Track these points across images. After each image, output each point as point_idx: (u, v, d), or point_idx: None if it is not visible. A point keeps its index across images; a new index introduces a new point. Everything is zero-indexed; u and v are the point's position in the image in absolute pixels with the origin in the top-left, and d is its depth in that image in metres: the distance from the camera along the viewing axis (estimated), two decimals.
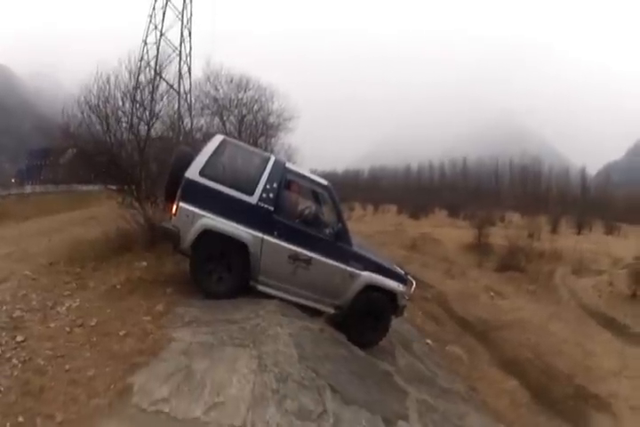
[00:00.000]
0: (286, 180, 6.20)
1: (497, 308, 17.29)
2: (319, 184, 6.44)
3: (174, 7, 31.27)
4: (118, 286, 5.98)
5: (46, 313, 5.12)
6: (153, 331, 4.60)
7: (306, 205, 6.31)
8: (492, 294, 19.09)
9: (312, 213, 6.18)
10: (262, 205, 5.76)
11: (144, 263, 6.98)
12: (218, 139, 6.14)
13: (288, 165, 6.43)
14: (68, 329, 4.69)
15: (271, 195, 5.83)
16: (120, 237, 8.07)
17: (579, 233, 39.30)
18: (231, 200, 5.66)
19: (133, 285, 6.02)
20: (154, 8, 30.93)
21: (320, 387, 4.02)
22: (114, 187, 8.64)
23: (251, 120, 20.94)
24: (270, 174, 5.94)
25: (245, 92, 21.35)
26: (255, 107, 21.40)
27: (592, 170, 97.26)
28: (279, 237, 5.79)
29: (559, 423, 10.47)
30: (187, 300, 5.61)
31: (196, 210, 5.53)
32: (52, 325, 4.80)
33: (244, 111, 21.08)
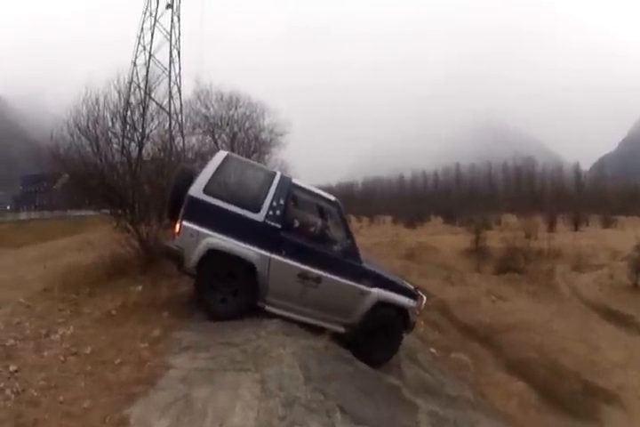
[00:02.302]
0: (293, 196, 6.13)
1: (499, 311, 17.22)
2: (327, 200, 6.32)
3: (162, 28, 31.30)
4: (113, 312, 5.88)
5: (40, 342, 5.01)
6: (149, 358, 4.48)
7: (314, 222, 6.23)
8: (492, 297, 19.04)
9: (320, 230, 6.09)
10: (269, 222, 5.61)
11: (139, 287, 6.87)
12: (221, 155, 5.99)
13: (294, 180, 6.26)
14: (62, 358, 4.58)
15: (278, 212, 5.68)
16: (115, 262, 7.98)
17: (576, 229, 39.56)
18: (237, 218, 5.51)
19: (129, 310, 5.91)
20: (142, 29, 30.93)
21: (329, 409, 3.85)
22: (107, 211, 8.53)
23: (243, 137, 20.90)
24: (277, 191, 5.78)
25: (236, 109, 21.35)
26: (247, 124, 21.41)
27: (586, 165, 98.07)
28: (287, 255, 5.64)
29: (570, 421, 10.42)
30: (184, 324, 5.49)
31: (201, 229, 5.37)
32: (46, 353, 4.69)
33: (236, 128, 21.06)
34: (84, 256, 9.01)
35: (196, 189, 5.46)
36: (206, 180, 5.54)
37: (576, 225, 41.25)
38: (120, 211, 8.23)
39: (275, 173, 6.15)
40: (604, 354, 13.21)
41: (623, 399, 11.07)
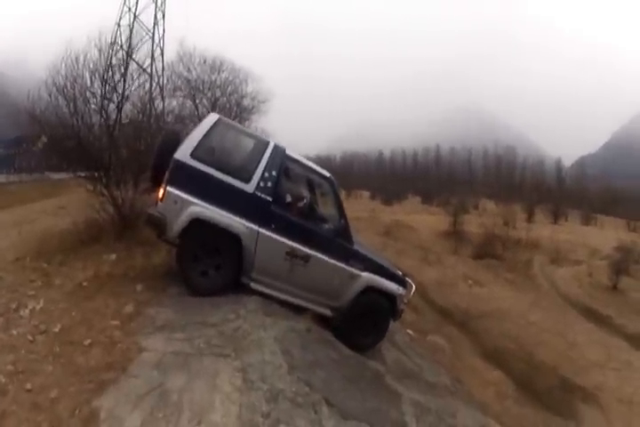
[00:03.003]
0: (286, 168, 5.66)
1: (476, 296, 17.42)
2: (321, 175, 5.91)
3: None
4: (85, 284, 5.41)
5: (9, 317, 4.59)
6: (121, 339, 4.07)
7: (306, 198, 5.78)
8: (470, 282, 19.31)
9: (312, 207, 5.73)
10: (259, 194, 5.18)
11: (113, 256, 6.40)
12: (212, 118, 5.48)
13: (288, 151, 5.73)
14: (30, 338, 4.17)
15: (269, 184, 5.26)
16: (89, 228, 7.46)
17: (555, 222, 39.94)
18: (225, 187, 5.06)
19: (101, 281, 5.45)
20: None
21: (315, 402, 3.53)
22: (82, 174, 7.99)
23: (224, 103, 20.37)
24: (269, 161, 5.35)
25: (219, 73, 20.84)
26: (229, 89, 20.91)
27: (567, 162, 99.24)
28: (276, 230, 5.23)
29: (546, 415, 10.60)
30: (158, 299, 5.07)
31: (186, 196, 4.91)
32: (15, 332, 4.28)
33: (218, 93, 20.58)
34: (59, 221, 8.51)
35: (183, 153, 4.98)
36: (194, 143, 5.06)
37: (555, 218, 41.65)
38: (95, 174, 7.70)
39: (268, 142, 5.65)
40: (582, 352, 13.46)
41: (601, 400, 11.25)
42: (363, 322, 5.93)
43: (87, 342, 4.06)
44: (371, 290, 5.85)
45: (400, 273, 6.43)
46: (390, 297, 6.07)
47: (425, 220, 31.88)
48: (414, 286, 6.61)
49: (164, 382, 3.36)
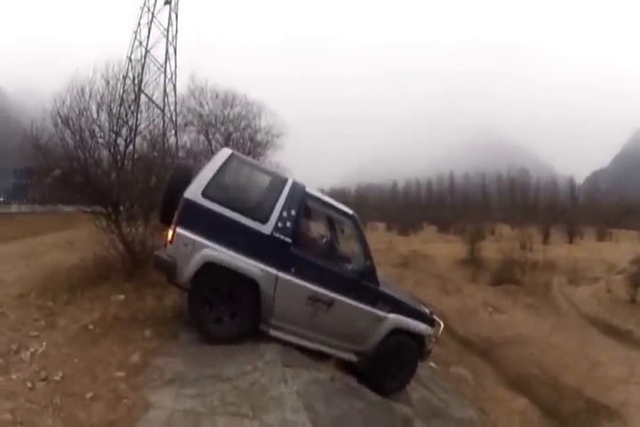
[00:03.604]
0: (305, 206, 5.38)
1: (496, 324, 17.12)
2: (343, 212, 5.64)
3: (160, 24, 30.73)
4: (90, 327, 5.19)
5: (9, 359, 4.39)
6: (126, 393, 3.80)
7: (328, 238, 5.60)
8: (490, 309, 18.97)
9: (335, 247, 5.51)
10: (278, 235, 4.87)
11: (121, 297, 6.20)
12: (225, 153, 5.23)
13: (308, 189, 5.45)
14: (30, 385, 3.94)
15: (288, 224, 4.95)
16: (97, 265, 7.31)
17: (571, 242, 39.46)
18: (240, 228, 4.74)
19: (108, 324, 5.23)
20: (139, 24, 30.33)
21: None
22: (88, 209, 7.83)
23: (238, 137, 20.28)
24: (288, 199, 5.06)
25: (232, 108, 20.82)
26: (242, 123, 20.82)
27: (580, 179, 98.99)
28: (297, 274, 4.90)
29: None
30: (168, 347, 4.78)
31: (197, 238, 4.60)
32: (14, 376, 4.07)
33: (231, 128, 20.49)
34: (68, 256, 8.43)
35: (194, 192, 4.70)
36: (206, 181, 4.78)
37: (570, 237, 41.09)
38: (104, 210, 7.55)
39: (286, 179, 5.36)
40: (605, 370, 13.19)
41: (625, 416, 10.90)
42: (390, 365, 5.61)
43: (89, 394, 3.82)
44: (398, 332, 5.54)
45: (428, 311, 6.12)
46: (418, 337, 5.77)
47: (442, 248, 31.51)
48: (442, 324, 6.31)
49: None
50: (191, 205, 4.65)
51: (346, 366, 5.29)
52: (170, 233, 4.68)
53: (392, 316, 5.46)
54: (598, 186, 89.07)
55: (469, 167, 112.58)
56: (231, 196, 4.95)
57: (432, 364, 10.56)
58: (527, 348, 14.55)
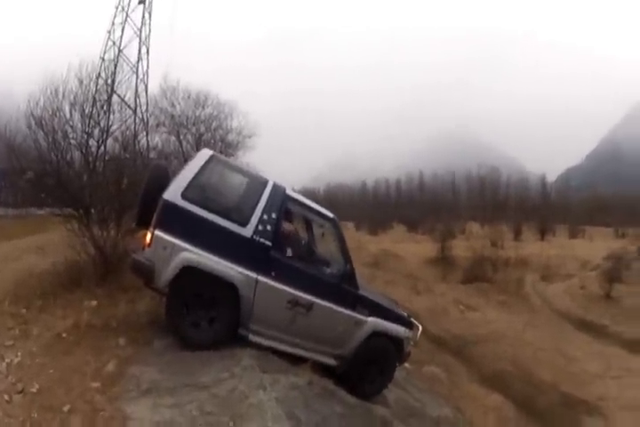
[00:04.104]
0: (286, 209, 5.32)
1: (469, 322, 17.28)
2: (324, 216, 5.60)
3: (134, 23, 30.22)
4: (64, 335, 5.04)
5: None
6: (103, 405, 3.69)
7: (308, 241, 5.57)
8: (461, 307, 19.20)
9: (315, 251, 5.48)
10: (258, 238, 4.78)
11: (94, 302, 6.04)
12: (205, 154, 5.09)
13: (289, 191, 5.39)
14: (7, 398, 3.84)
15: (269, 227, 4.86)
16: (69, 270, 7.09)
17: (542, 239, 40.15)
18: (219, 231, 4.63)
19: (81, 332, 5.09)
20: (113, 23, 29.78)
21: None
22: (59, 212, 7.66)
23: (209, 138, 20.03)
24: (268, 202, 4.97)
25: (203, 108, 20.59)
26: (214, 124, 20.63)
27: (552, 177, 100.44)
28: (277, 278, 4.83)
29: None
30: (143, 355, 4.67)
31: (176, 241, 4.47)
32: None
33: (202, 129, 20.28)
34: (40, 260, 8.16)
35: (173, 193, 4.57)
36: (185, 182, 4.66)
37: (542, 234, 41.87)
38: (75, 213, 7.39)
39: (267, 181, 5.25)
40: (581, 365, 13.55)
41: (604, 410, 11.22)
42: (368, 368, 5.62)
43: (66, 407, 3.71)
44: (377, 335, 5.54)
45: (406, 314, 6.14)
46: (397, 341, 5.78)
47: (411, 248, 31.80)
48: (420, 327, 6.34)
49: None
50: (170, 206, 4.53)
51: (322, 369, 5.25)
52: (148, 236, 4.56)
53: (371, 319, 5.45)
54: (570, 183, 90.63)
55: (439, 167, 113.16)
56: (211, 198, 4.87)
57: (406, 364, 10.65)
58: (501, 345, 14.71)
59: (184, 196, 4.58)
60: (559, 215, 51.49)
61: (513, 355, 13.91)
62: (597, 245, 31.81)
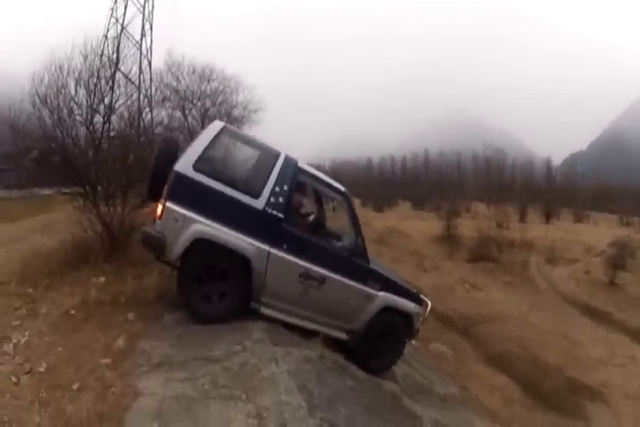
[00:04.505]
0: (298, 182, 5.21)
1: (475, 301, 17.27)
2: (336, 189, 5.50)
3: (136, 0, 29.82)
4: (72, 312, 5.00)
5: None
6: (113, 381, 3.63)
7: (320, 214, 5.53)
8: (467, 286, 19.11)
9: (321, 223, 5.44)
10: (270, 211, 4.73)
11: (102, 279, 6.00)
12: (217, 126, 5.00)
13: (301, 164, 5.28)
14: (14, 379, 3.78)
15: (281, 199, 4.81)
16: (76, 248, 7.06)
17: (547, 222, 39.93)
18: (231, 203, 4.58)
19: (89, 309, 5.05)
20: (115, 1, 29.40)
21: None
22: (66, 190, 7.58)
23: (214, 113, 19.72)
24: (280, 174, 4.91)
25: (209, 83, 20.39)
26: (219, 99, 20.46)
27: (557, 160, 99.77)
28: (289, 250, 4.79)
29: (555, 417, 10.52)
30: (152, 329, 4.63)
31: (188, 213, 4.41)
32: None
33: (208, 104, 20.12)
34: (47, 240, 8.14)
35: (185, 165, 4.50)
36: (197, 154, 4.58)
37: (547, 218, 41.66)
38: (82, 190, 7.32)
39: (279, 153, 5.14)
40: (586, 350, 13.46)
41: (607, 397, 11.18)
42: (379, 343, 5.60)
43: (76, 385, 3.66)
44: (387, 310, 5.51)
45: (415, 290, 6.11)
46: (407, 316, 5.76)
47: (417, 225, 31.61)
48: (430, 304, 6.26)
49: None
50: (182, 178, 4.45)
51: (333, 343, 5.26)
52: (159, 208, 4.48)
53: (382, 294, 5.43)
54: (575, 169, 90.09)
55: (444, 146, 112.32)
56: (223, 169, 4.80)
57: (412, 341, 10.70)
58: (506, 325, 14.69)
59: (195, 167, 4.50)
60: (564, 199, 51.12)
61: (519, 336, 13.89)
62: (602, 231, 31.64)
